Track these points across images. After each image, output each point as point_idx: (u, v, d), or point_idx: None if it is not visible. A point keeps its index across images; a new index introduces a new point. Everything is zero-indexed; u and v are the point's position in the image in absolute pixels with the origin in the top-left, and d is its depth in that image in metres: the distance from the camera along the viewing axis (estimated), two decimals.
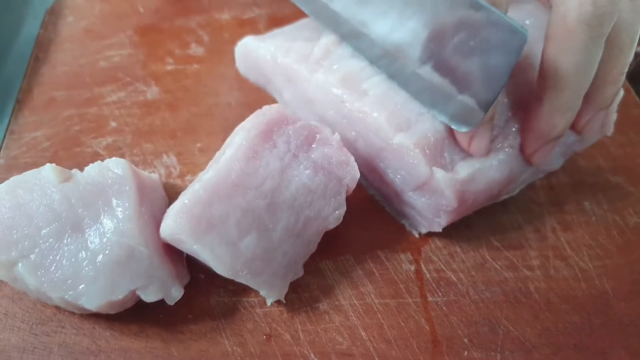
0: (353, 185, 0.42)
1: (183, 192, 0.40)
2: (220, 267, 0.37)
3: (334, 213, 0.41)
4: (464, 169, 0.41)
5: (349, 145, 0.46)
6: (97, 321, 0.40)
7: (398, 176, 0.43)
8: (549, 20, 0.37)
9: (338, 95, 0.44)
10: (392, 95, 0.42)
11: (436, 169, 0.40)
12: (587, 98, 0.40)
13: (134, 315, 0.40)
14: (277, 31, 0.51)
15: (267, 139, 0.41)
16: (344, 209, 0.41)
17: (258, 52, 0.50)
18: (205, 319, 0.41)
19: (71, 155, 0.49)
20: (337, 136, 0.42)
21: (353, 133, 0.45)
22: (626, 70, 0.41)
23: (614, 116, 0.45)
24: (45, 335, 0.40)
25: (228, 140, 0.43)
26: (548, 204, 0.48)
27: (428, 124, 0.41)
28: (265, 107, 0.43)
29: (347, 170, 0.41)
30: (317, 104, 0.47)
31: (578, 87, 0.38)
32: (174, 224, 0.37)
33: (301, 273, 0.42)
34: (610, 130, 0.46)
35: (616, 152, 0.51)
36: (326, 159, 0.41)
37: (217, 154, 0.43)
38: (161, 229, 0.38)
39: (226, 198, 0.38)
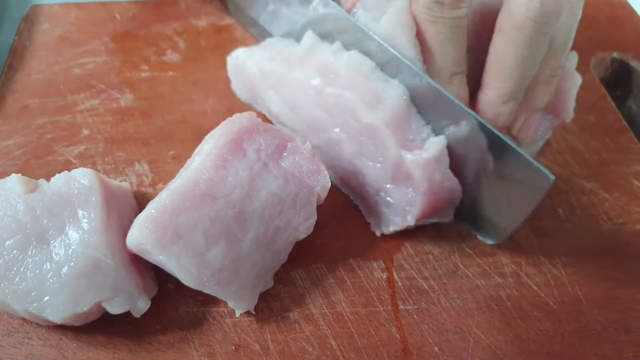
0: (324, 195, 0.41)
1: (151, 202, 0.40)
2: (187, 278, 0.37)
3: (305, 223, 0.41)
4: (432, 147, 0.41)
5: (333, 146, 0.46)
6: (64, 332, 0.40)
7: (378, 165, 0.43)
8: (499, 14, 0.40)
9: (314, 85, 0.44)
10: (361, 66, 0.43)
11: (404, 152, 0.41)
12: (522, 99, 0.43)
13: (102, 326, 0.39)
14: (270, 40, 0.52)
15: (237, 147, 0.41)
16: (314, 218, 0.41)
17: (246, 65, 0.50)
18: (173, 330, 0.40)
19: (43, 164, 0.49)
20: (308, 145, 0.42)
21: (337, 130, 0.45)
22: (559, 72, 0.43)
23: (572, 103, 0.47)
24: (12, 346, 0.39)
25: (198, 149, 0.43)
26: None
27: (394, 97, 0.42)
28: (236, 115, 0.42)
29: (318, 179, 0.41)
30: (301, 106, 0.46)
31: (520, 79, 0.41)
32: (139, 234, 0.37)
33: (271, 284, 0.41)
34: (569, 116, 0.47)
35: (591, 158, 0.51)
36: (297, 168, 0.41)
37: (188, 161, 0.43)
38: (127, 239, 0.38)
39: (194, 207, 0.38)
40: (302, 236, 0.41)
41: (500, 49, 0.40)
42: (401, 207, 0.43)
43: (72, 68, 0.57)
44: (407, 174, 0.41)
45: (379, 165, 0.43)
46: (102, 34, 0.60)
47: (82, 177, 0.39)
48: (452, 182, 0.42)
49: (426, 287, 0.43)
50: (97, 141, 0.51)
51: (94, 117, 0.53)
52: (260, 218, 0.39)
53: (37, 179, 0.41)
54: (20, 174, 0.39)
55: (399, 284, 0.43)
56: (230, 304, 0.40)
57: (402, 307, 0.42)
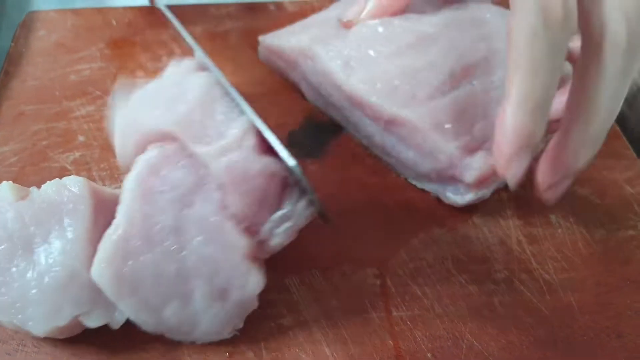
0: (251, 249, 0.37)
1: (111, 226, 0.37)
2: (146, 327, 0.37)
3: (249, 282, 0.37)
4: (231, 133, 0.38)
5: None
6: (58, 340, 0.40)
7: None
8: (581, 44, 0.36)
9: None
10: None
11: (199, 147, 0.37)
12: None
13: (96, 333, 0.39)
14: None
15: (154, 176, 0.37)
16: (257, 274, 0.37)
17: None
18: (161, 340, 0.40)
19: (38, 170, 0.49)
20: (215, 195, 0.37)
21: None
22: None
23: None
24: (6, 354, 0.39)
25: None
26: (514, 216, 0.48)
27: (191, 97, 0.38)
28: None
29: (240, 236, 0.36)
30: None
31: (610, 119, 0.37)
32: (99, 278, 0.35)
33: (240, 325, 0.39)
34: None
35: None
36: (213, 222, 0.36)
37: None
38: (91, 272, 0.36)
39: (138, 252, 0.35)
40: (255, 293, 0.37)
41: (593, 80, 0.35)
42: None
43: (68, 74, 0.57)
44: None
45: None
46: (98, 40, 0.61)
47: (73, 185, 0.38)
48: (264, 163, 0.36)
49: (419, 293, 0.43)
50: (92, 147, 0.51)
51: (89, 124, 0.53)
52: (201, 277, 0.36)
53: (32, 185, 0.41)
54: (11, 182, 0.39)
55: (393, 290, 0.44)
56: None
57: (395, 313, 0.42)
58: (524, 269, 0.45)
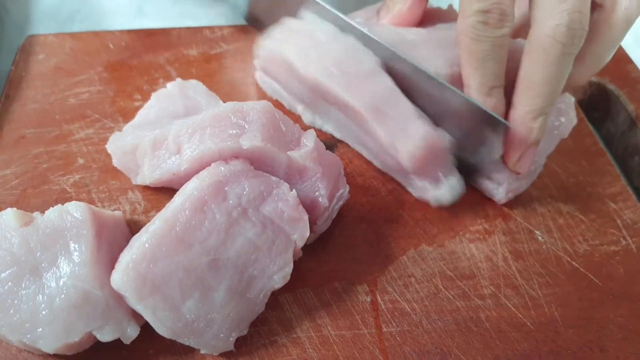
0: (301, 243, 0.43)
1: (135, 237, 0.41)
2: (161, 329, 0.39)
3: (280, 272, 0.41)
4: (309, 140, 0.46)
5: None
6: (62, 356, 0.41)
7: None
8: (528, 37, 0.42)
9: None
10: None
11: (290, 153, 0.44)
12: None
13: (96, 351, 0.41)
14: None
15: (219, 190, 0.41)
16: (290, 267, 0.42)
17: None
18: (166, 355, 0.42)
19: (39, 193, 0.51)
20: (294, 193, 0.42)
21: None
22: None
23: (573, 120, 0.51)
24: None
25: (182, 188, 0.43)
26: (500, 233, 0.49)
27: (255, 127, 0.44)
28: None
29: (297, 227, 0.42)
30: None
31: (549, 96, 0.43)
32: (121, 282, 0.37)
33: (245, 332, 0.42)
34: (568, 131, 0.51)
35: (568, 181, 0.53)
36: (277, 214, 0.42)
37: (170, 202, 0.43)
38: (111, 280, 0.38)
39: (169, 254, 0.38)
40: (277, 286, 0.42)
41: (529, 68, 0.43)
42: (310, 195, 0.45)
43: (67, 98, 0.59)
44: (299, 168, 0.44)
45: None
46: (96, 63, 0.62)
47: (75, 211, 0.40)
48: (332, 156, 0.47)
49: (408, 309, 0.45)
50: (91, 170, 0.53)
51: (88, 147, 0.54)
52: (235, 266, 0.40)
53: (34, 208, 0.43)
54: (15, 208, 0.41)
55: (383, 306, 0.45)
56: (203, 352, 0.41)
57: (385, 329, 0.44)
58: (509, 285, 0.46)
